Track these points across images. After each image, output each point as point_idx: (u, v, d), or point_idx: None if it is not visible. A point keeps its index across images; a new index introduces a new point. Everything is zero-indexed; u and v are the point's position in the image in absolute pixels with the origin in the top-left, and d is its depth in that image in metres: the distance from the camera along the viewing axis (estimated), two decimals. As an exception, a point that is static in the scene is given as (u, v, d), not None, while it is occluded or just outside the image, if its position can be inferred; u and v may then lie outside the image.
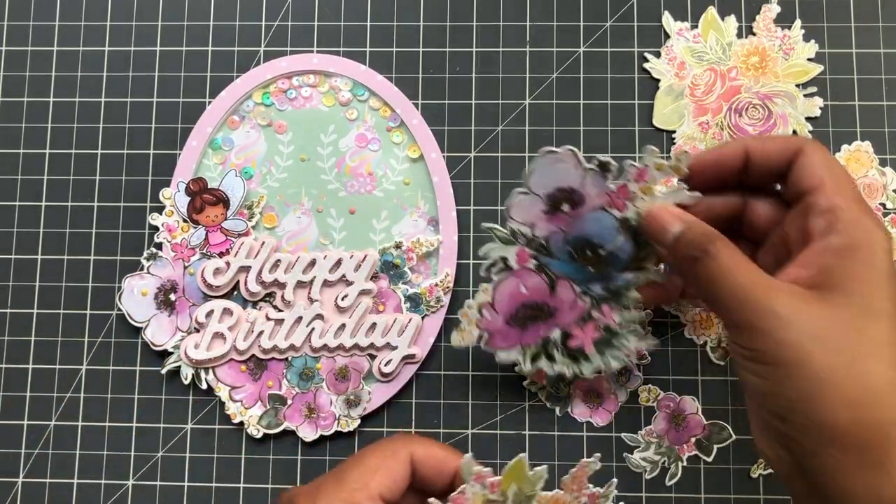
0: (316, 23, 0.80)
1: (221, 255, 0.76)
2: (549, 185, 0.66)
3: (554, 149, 0.65)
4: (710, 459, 0.75)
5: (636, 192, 0.64)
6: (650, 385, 0.76)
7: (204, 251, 0.76)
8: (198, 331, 0.75)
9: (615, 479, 0.64)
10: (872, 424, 0.52)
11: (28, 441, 0.77)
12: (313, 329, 0.75)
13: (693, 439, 0.75)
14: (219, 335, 0.75)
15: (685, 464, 0.75)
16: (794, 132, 0.78)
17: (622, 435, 0.75)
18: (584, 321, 0.69)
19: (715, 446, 0.75)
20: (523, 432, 0.76)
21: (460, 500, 0.61)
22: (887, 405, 0.52)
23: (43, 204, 0.79)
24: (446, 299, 0.76)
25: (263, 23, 0.80)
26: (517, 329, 0.70)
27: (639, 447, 0.75)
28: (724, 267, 0.57)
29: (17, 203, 0.79)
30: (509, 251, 0.69)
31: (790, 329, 0.54)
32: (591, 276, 0.68)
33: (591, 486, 0.63)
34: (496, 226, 0.69)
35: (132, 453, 0.76)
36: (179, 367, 0.75)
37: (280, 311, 0.76)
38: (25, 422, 0.77)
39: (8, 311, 0.78)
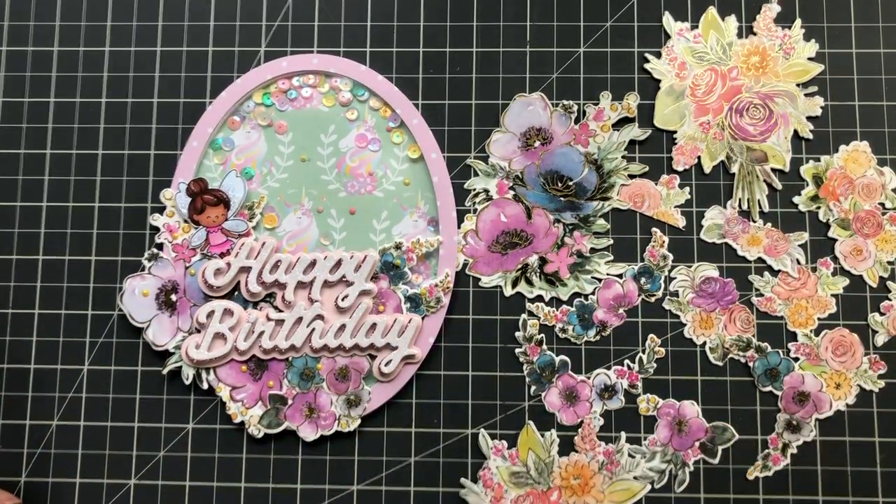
0: (316, 23, 0.80)
1: (222, 255, 0.76)
2: (522, 124, 0.78)
3: (524, 94, 0.79)
4: (716, 462, 0.75)
5: (596, 130, 0.75)
6: (649, 395, 0.76)
7: (205, 252, 0.76)
8: (199, 331, 0.75)
9: (623, 433, 0.74)
10: None
11: (30, 441, 0.77)
12: (314, 329, 0.75)
13: (697, 443, 0.75)
14: (220, 335, 0.75)
15: (692, 469, 0.75)
16: (795, 132, 0.78)
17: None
18: (558, 247, 0.77)
19: (719, 448, 0.75)
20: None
21: (487, 475, 0.69)
22: None
23: (44, 204, 0.79)
24: (446, 299, 0.76)
25: (263, 23, 0.80)
26: (498, 255, 0.77)
27: (644, 457, 0.75)
28: None
29: (17, 203, 0.79)
30: (490, 183, 0.78)
31: None
32: (562, 205, 0.77)
33: (602, 443, 0.73)
34: (479, 161, 0.78)
35: (134, 453, 0.76)
36: (180, 367, 0.76)
37: (280, 311, 0.76)
38: (28, 422, 0.77)
39: (9, 311, 0.78)
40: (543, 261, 0.77)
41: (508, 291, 0.77)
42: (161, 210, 0.77)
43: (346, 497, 0.76)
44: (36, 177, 0.79)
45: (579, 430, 0.75)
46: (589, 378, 0.76)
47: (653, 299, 0.76)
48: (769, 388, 0.75)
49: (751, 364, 0.75)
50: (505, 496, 0.74)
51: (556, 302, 0.77)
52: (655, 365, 0.76)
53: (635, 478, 0.74)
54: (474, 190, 0.78)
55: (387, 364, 0.75)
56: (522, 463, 0.74)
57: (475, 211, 0.78)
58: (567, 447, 0.75)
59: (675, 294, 0.76)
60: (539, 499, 0.74)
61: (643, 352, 0.76)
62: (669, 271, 0.77)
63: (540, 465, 0.74)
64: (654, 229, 0.77)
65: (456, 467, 0.75)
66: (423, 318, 0.76)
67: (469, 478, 0.74)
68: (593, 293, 0.77)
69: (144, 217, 0.78)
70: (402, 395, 0.76)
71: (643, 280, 0.77)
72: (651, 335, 0.76)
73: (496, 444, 0.75)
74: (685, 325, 0.76)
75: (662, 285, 0.77)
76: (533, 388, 0.76)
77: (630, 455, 0.74)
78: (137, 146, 0.79)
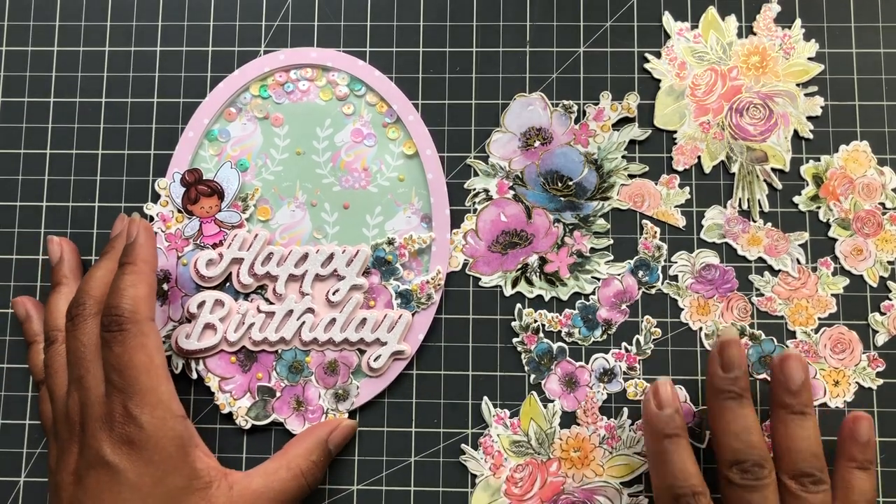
0: (316, 23, 0.81)
1: (215, 246, 0.76)
2: (522, 124, 0.78)
3: (524, 94, 0.78)
4: (703, 446, 0.74)
5: (596, 130, 0.77)
6: (636, 380, 0.75)
7: (197, 242, 0.76)
8: (189, 321, 0.75)
9: (625, 409, 0.75)
10: None
11: (29, 440, 0.77)
12: (304, 323, 0.75)
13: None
14: (210, 326, 0.75)
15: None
16: (796, 132, 0.77)
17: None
18: (558, 247, 0.77)
19: (706, 432, 0.74)
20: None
21: (487, 442, 0.74)
22: None
23: (44, 204, 0.79)
24: (437, 296, 0.76)
25: (263, 23, 0.81)
26: (498, 255, 0.77)
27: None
28: None
29: (17, 203, 0.80)
30: (490, 183, 0.78)
31: None
32: (562, 205, 0.77)
33: (604, 417, 0.75)
34: (479, 160, 0.78)
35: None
36: (170, 356, 0.75)
37: (271, 303, 0.76)
38: (27, 421, 0.77)
39: (8, 311, 0.78)
40: (543, 261, 0.77)
41: (508, 291, 0.77)
42: (156, 200, 0.77)
43: (346, 497, 0.75)
44: (35, 176, 0.80)
45: (582, 402, 0.74)
46: (588, 363, 0.75)
47: (653, 290, 0.76)
48: (763, 376, 0.75)
49: (746, 352, 0.75)
50: (504, 464, 0.74)
51: (556, 302, 0.77)
52: (653, 346, 0.75)
53: (636, 454, 0.74)
54: (474, 190, 0.78)
55: (376, 359, 0.74)
56: (524, 432, 0.74)
57: (475, 211, 0.78)
58: (569, 419, 0.75)
59: (675, 278, 0.76)
60: (538, 468, 0.74)
61: (640, 333, 0.75)
62: (666, 260, 0.76)
63: (541, 435, 0.74)
64: (644, 222, 0.77)
65: (456, 467, 0.75)
66: (413, 315, 0.75)
67: (469, 478, 0.74)
68: (593, 293, 0.76)
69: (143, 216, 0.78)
70: (401, 395, 0.76)
71: (641, 273, 0.76)
72: (647, 316, 0.76)
73: (498, 412, 0.74)
74: (682, 309, 0.76)
75: (661, 276, 0.76)
76: (532, 376, 0.75)
77: (632, 431, 0.74)
78: (137, 146, 0.80)
